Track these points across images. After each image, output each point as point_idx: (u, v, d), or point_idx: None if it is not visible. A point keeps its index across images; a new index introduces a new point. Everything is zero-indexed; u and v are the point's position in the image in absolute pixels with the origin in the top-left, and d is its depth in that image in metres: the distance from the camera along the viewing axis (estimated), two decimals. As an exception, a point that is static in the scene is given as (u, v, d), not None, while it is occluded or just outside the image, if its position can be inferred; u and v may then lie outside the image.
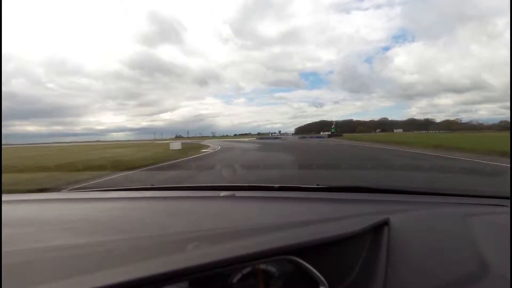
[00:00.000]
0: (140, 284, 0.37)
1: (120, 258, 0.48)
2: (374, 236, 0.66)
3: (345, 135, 77.11)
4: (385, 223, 0.71)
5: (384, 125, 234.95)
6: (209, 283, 0.43)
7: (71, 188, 5.15)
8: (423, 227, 0.77)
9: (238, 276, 0.45)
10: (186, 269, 0.40)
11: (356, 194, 1.20)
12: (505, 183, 2.95)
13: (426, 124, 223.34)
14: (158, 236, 0.63)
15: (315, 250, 0.52)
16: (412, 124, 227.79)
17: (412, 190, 1.21)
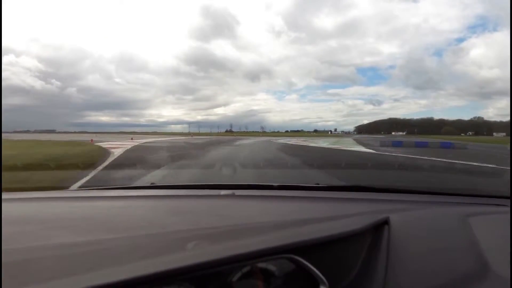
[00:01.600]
0: (140, 282, 0.37)
1: (119, 257, 0.47)
2: (374, 235, 0.66)
3: (442, 137, 57.65)
4: (385, 222, 0.70)
5: (478, 127, 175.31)
6: (209, 281, 0.43)
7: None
8: (423, 227, 0.77)
9: (238, 274, 0.45)
10: (186, 268, 0.40)
11: (356, 193, 1.20)
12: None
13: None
14: (158, 235, 0.62)
15: (315, 248, 0.52)
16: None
17: (412, 189, 1.21)
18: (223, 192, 1.19)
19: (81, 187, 1.30)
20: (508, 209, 0.96)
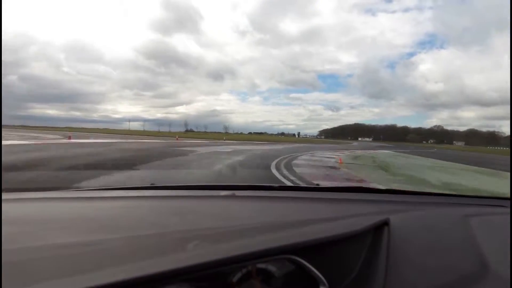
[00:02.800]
0: (140, 283, 0.37)
1: (119, 257, 0.48)
2: (374, 236, 0.66)
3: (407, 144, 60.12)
4: (385, 223, 0.71)
5: (440, 136, 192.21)
6: (209, 282, 0.43)
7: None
8: (423, 227, 0.77)
9: (238, 275, 0.45)
10: (186, 268, 0.40)
11: (356, 194, 1.20)
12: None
13: (491, 138, 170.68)
14: (158, 235, 0.62)
15: (315, 249, 0.52)
16: (474, 137, 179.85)
17: (412, 190, 1.22)
18: (223, 192, 1.19)
19: (82, 188, 1.30)
20: (508, 209, 0.96)
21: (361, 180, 6.69)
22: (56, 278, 0.39)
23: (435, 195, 1.17)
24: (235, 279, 0.45)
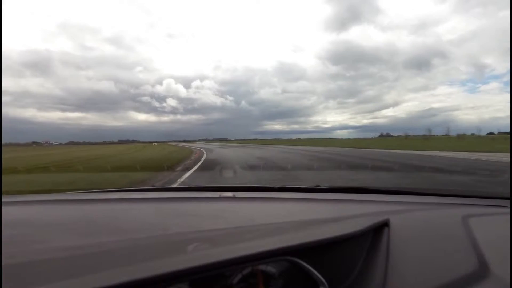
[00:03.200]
0: (141, 284, 0.37)
1: (120, 259, 0.48)
2: (374, 236, 0.66)
3: None
4: (385, 224, 0.71)
5: None
6: (209, 284, 0.43)
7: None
8: (423, 228, 0.78)
9: (239, 276, 0.45)
10: (187, 270, 0.41)
11: (356, 194, 1.20)
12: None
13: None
14: (159, 237, 0.63)
15: (315, 251, 0.52)
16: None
17: (412, 190, 1.22)
18: (223, 194, 1.20)
19: (83, 190, 1.29)
20: (508, 210, 0.96)
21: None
22: (56, 280, 0.39)
23: (435, 195, 1.17)
24: (235, 280, 0.45)
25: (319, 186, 1.33)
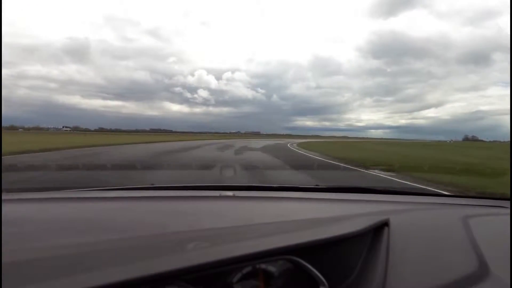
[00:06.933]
0: (140, 283, 0.37)
1: (119, 257, 0.48)
2: (374, 236, 0.66)
3: None
4: (385, 223, 0.70)
5: None
6: (209, 282, 0.43)
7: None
8: (423, 228, 0.77)
9: (238, 276, 0.45)
10: (186, 269, 0.40)
11: (356, 194, 1.20)
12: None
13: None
14: (158, 236, 0.63)
15: (315, 250, 0.52)
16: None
17: (412, 191, 1.22)
18: (223, 193, 1.19)
19: (82, 188, 1.28)
20: (508, 210, 0.96)
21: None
22: (55, 278, 0.39)
23: (435, 196, 1.17)
24: (235, 279, 0.45)
25: (318, 185, 1.33)
